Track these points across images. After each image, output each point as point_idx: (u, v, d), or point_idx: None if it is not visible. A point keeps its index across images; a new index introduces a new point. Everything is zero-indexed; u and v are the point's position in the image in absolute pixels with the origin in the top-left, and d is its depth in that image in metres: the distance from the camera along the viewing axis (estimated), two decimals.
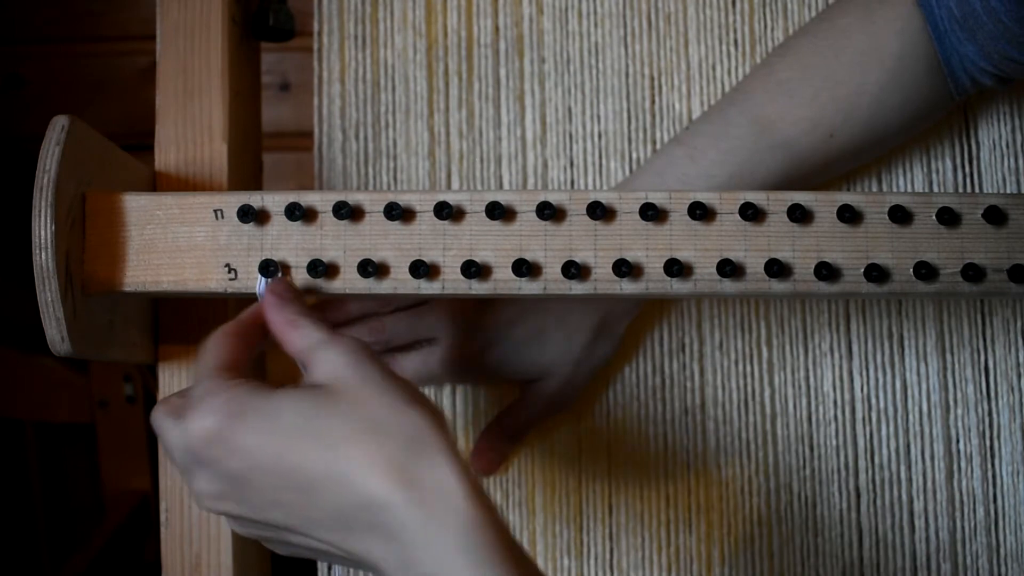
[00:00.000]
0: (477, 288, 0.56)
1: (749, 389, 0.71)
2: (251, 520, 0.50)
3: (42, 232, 0.52)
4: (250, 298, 0.56)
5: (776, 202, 0.55)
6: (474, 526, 0.45)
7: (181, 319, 0.65)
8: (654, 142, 0.72)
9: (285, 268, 0.56)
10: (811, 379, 0.71)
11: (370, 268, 0.55)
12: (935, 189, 0.71)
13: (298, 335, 0.51)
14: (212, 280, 0.56)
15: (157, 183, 0.64)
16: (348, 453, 0.46)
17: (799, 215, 0.55)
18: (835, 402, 0.71)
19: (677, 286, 0.55)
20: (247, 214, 0.56)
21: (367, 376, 0.49)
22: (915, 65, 0.63)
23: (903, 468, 0.70)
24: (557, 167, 0.72)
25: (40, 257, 0.52)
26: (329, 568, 0.71)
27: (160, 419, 0.51)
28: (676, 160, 0.64)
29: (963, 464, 0.70)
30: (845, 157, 0.65)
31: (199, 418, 0.49)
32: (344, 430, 0.47)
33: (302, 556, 0.52)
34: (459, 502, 0.46)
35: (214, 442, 0.48)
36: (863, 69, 0.63)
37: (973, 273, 0.55)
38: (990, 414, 0.70)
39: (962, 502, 0.69)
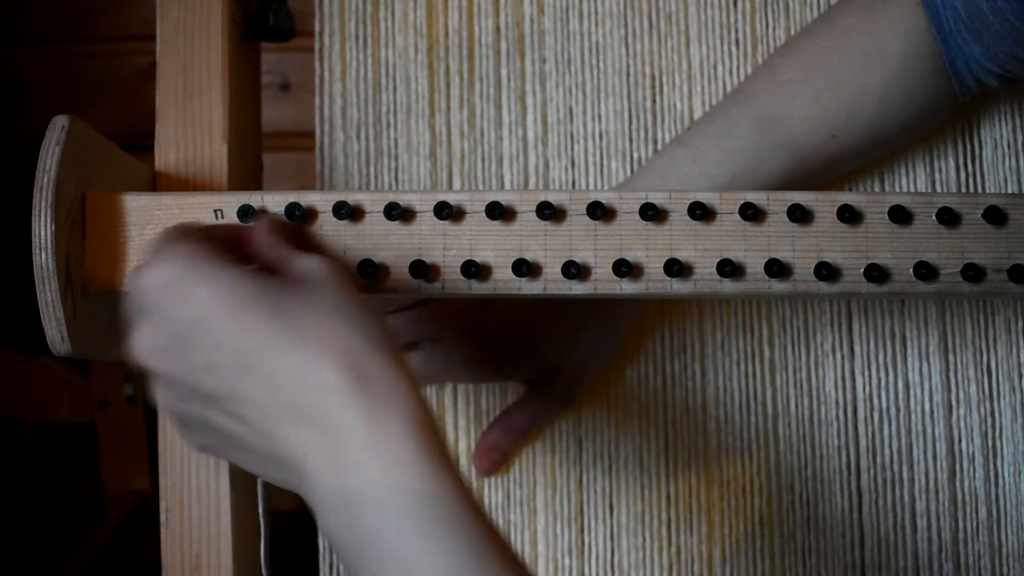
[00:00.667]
0: (477, 288, 0.55)
1: (751, 389, 0.71)
2: (180, 383, 0.47)
3: (42, 232, 0.52)
4: None
5: (776, 202, 0.55)
6: (424, 429, 0.43)
7: None
8: (655, 142, 0.72)
9: None
10: (813, 379, 0.71)
11: (370, 268, 0.55)
12: (938, 189, 0.71)
13: (277, 249, 0.50)
14: None
15: (157, 183, 0.64)
16: (303, 329, 0.45)
17: (799, 215, 0.55)
18: (837, 402, 0.70)
19: (677, 286, 0.55)
20: (247, 214, 0.56)
21: (339, 274, 0.48)
22: (919, 66, 0.63)
23: (905, 468, 0.70)
24: (558, 167, 0.72)
25: (40, 257, 0.52)
26: (330, 568, 0.71)
27: (130, 278, 0.49)
28: (678, 160, 0.64)
29: (965, 464, 0.70)
30: (848, 157, 0.65)
31: (160, 262, 0.47)
32: (305, 309, 0.45)
33: (217, 452, 0.49)
34: (409, 405, 0.44)
35: (168, 288, 0.47)
36: (866, 70, 0.63)
37: (973, 273, 0.55)
38: (992, 414, 0.70)
39: (964, 502, 0.69)
